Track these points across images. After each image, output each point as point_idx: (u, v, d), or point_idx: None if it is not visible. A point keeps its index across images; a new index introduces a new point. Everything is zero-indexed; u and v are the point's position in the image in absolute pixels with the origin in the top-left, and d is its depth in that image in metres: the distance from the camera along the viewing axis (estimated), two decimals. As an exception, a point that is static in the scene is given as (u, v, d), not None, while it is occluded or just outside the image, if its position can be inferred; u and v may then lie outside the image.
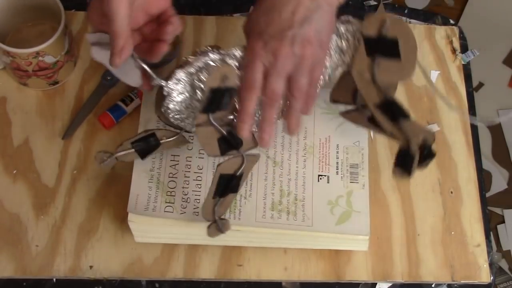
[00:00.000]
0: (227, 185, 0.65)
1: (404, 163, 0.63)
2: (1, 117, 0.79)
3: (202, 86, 0.64)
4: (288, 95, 0.62)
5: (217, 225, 0.65)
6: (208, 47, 0.65)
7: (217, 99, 0.63)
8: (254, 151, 0.68)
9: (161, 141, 0.67)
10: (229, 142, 0.65)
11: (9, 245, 0.73)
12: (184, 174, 0.72)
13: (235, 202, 0.70)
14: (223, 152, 0.66)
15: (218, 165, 0.64)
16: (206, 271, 0.73)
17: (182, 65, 0.65)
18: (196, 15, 0.88)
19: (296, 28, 0.57)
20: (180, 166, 0.73)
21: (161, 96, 0.66)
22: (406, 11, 0.91)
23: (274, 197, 0.71)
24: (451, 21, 0.91)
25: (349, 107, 0.72)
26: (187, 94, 0.66)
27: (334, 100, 0.71)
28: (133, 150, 0.68)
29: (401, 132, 0.63)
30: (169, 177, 0.72)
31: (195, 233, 0.70)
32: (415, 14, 0.91)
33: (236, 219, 0.70)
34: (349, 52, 0.67)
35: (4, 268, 0.72)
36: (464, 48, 0.89)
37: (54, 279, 0.72)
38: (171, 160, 0.73)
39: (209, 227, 0.65)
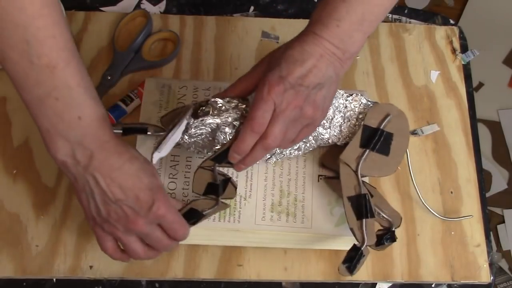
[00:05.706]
0: (192, 216, 0.66)
1: (351, 260, 0.64)
2: (1, 117, 0.79)
3: (222, 139, 0.65)
4: None
5: None
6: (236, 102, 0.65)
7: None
8: (227, 201, 0.69)
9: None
10: (216, 189, 0.67)
11: (9, 245, 0.73)
12: (184, 175, 0.72)
13: (235, 203, 0.70)
14: (205, 194, 0.67)
15: (193, 200, 0.66)
16: (206, 271, 0.73)
17: (215, 112, 0.65)
18: (196, 15, 0.88)
19: (310, 89, 0.60)
20: (180, 167, 0.72)
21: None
22: (406, 11, 0.91)
23: (274, 197, 0.71)
24: (451, 21, 0.91)
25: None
26: (204, 136, 0.66)
27: (322, 163, 0.73)
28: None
29: (360, 231, 0.65)
30: (169, 178, 0.72)
31: (195, 233, 0.70)
32: (415, 14, 0.91)
33: (236, 221, 0.70)
34: (345, 131, 0.70)
35: (4, 268, 0.72)
36: (464, 48, 0.88)
37: (54, 279, 0.72)
38: (171, 161, 0.73)
39: None
